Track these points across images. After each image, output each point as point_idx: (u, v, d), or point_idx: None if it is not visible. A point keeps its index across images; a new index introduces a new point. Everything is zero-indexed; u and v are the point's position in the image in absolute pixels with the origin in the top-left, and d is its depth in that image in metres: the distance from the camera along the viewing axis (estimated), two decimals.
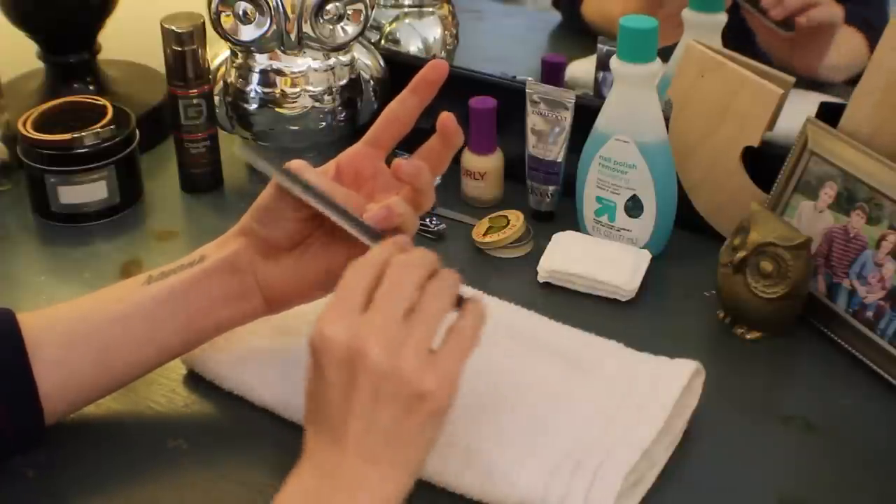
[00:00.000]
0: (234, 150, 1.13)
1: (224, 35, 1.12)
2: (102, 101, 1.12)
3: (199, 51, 1.09)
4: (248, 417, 0.84)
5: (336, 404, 0.66)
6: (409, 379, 0.65)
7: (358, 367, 0.65)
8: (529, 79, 1.08)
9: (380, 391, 0.65)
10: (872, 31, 1.14)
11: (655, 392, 0.81)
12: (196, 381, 0.88)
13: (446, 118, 0.80)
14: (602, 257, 1.00)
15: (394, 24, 1.27)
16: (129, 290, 0.81)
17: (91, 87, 1.24)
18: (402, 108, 0.83)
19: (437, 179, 0.86)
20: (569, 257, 1.00)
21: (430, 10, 1.28)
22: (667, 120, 1.01)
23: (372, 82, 1.17)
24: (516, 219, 1.06)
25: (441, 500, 0.76)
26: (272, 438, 0.82)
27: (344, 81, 1.15)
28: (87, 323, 0.80)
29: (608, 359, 0.86)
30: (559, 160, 1.07)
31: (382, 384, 0.65)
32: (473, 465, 0.76)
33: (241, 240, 0.83)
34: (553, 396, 0.81)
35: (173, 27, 1.08)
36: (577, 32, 1.34)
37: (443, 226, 1.08)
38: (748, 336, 0.94)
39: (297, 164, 0.79)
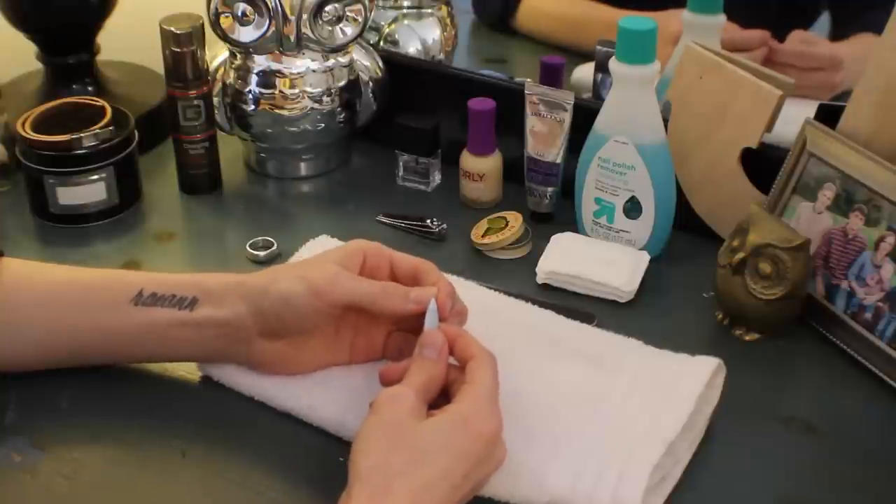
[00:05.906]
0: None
1: (223, 36, 1.12)
2: (101, 102, 1.12)
3: (198, 52, 1.09)
4: (251, 418, 0.84)
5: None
6: None
7: None
8: (528, 80, 1.08)
9: None
10: None
11: (678, 389, 0.81)
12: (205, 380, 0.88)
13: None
14: (601, 258, 1.00)
15: (392, 26, 1.27)
16: (116, 302, 0.82)
17: (90, 88, 1.24)
18: None
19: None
20: (567, 258, 1.00)
21: (429, 11, 1.28)
22: (666, 121, 1.01)
23: (371, 84, 1.17)
24: (515, 220, 1.06)
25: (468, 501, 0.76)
26: (273, 439, 0.83)
27: (343, 83, 1.15)
28: (66, 316, 0.83)
29: (630, 357, 0.86)
30: (558, 161, 1.07)
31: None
32: (501, 467, 0.76)
33: (242, 309, 0.81)
34: (576, 396, 0.81)
35: (172, 28, 1.08)
36: (501, 33, 1.36)
37: (444, 226, 1.08)
38: (747, 337, 0.94)
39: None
